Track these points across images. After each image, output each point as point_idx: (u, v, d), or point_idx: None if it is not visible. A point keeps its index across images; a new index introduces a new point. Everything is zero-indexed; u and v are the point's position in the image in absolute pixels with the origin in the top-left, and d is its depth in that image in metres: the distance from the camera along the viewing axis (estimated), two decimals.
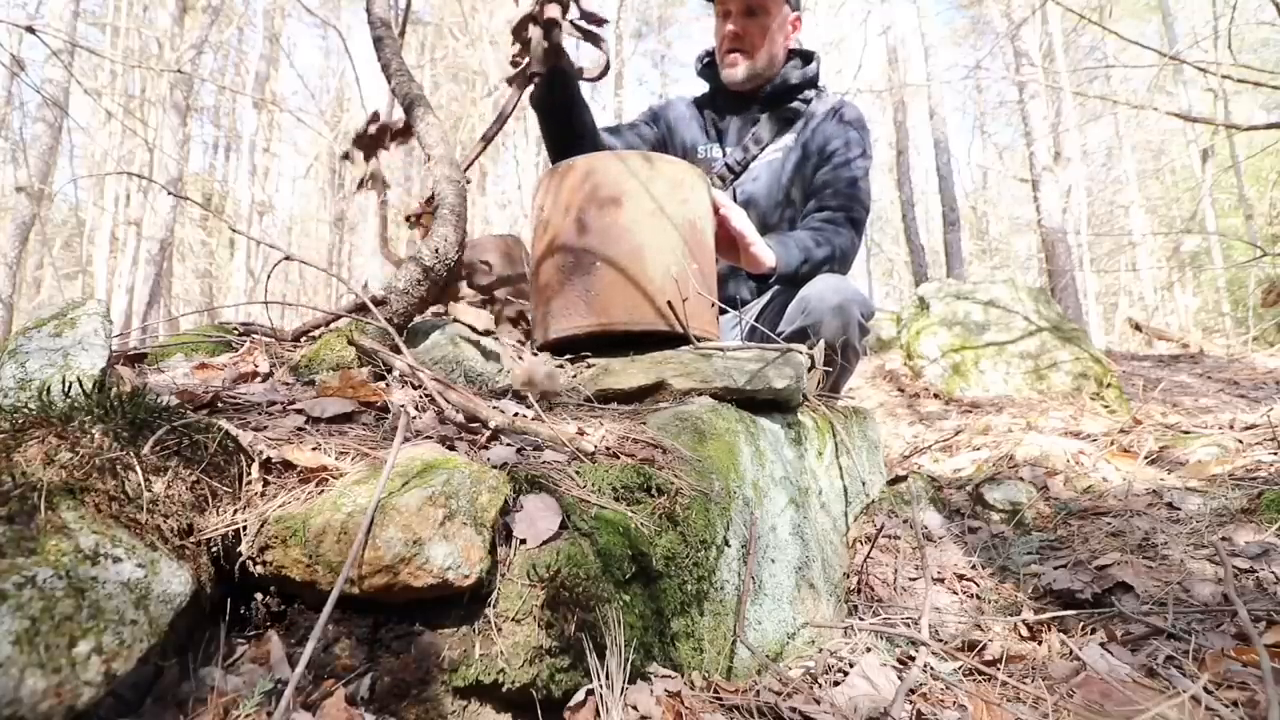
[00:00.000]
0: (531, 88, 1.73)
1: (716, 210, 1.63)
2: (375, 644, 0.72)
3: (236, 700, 0.64)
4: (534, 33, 1.54)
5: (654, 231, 1.44)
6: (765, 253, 1.70)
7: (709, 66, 2.15)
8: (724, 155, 2.11)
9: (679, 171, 1.51)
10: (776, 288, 1.95)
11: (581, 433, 1.09)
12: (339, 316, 1.41)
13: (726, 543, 1.03)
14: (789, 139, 2.04)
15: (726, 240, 1.68)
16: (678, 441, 1.09)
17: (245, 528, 0.74)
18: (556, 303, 1.47)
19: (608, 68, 1.67)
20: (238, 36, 15.20)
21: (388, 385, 1.15)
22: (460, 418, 1.01)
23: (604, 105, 12.59)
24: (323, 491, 0.78)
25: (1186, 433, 2.42)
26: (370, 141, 1.57)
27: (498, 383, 1.34)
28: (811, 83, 2.08)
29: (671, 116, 2.19)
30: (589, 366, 1.42)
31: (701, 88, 2.24)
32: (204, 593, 0.70)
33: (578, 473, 0.92)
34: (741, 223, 1.67)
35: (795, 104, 2.06)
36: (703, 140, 2.16)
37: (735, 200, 2.07)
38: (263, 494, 0.78)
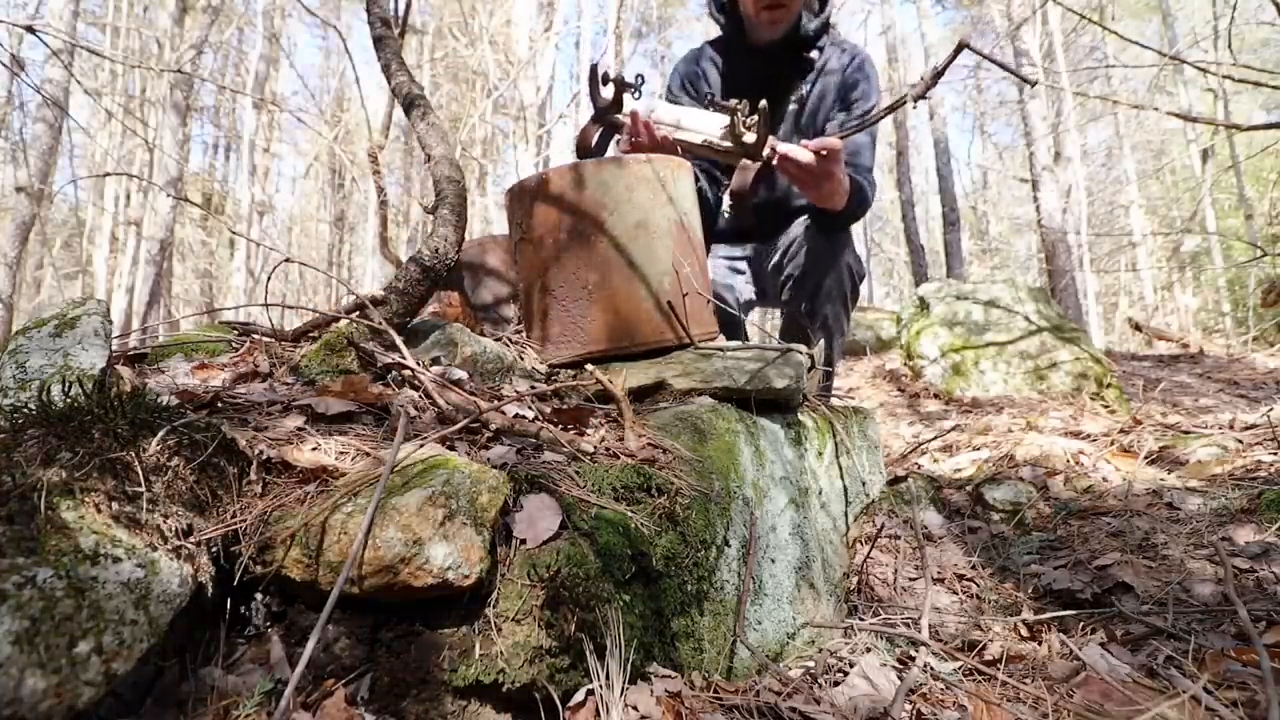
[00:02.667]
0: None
1: (774, 156, 1.59)
2: (375, 644, 0.72)
3: (236, 700, 0.64)
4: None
5: (643, 245, 1.41)
6: (845, 182, 1.69)
7: (729, 14, 2.07)
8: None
9: (657, 169, 1.45)
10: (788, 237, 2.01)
11: (581, 433, 1.09)
12: (339, 317, 1.41)
13: (726, 543, 1.03)
14: (802, 89, 2.06)
15: (801, 175, 1.64)
16: (678, 441, 1.09)
17: (245, 528, 0.74)
18: (554, 330, 1.45)
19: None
20: (238, 36, 15.20)
21: (388, 386, 1.15)
22: (460, 418, 1.01)
23: None
24: (323, 491, 0.78)
25: (1186, 433, 2.42)
26: (613, 104, 1.60)
27: (498, 382, 1.34)
28: (824, 29, 2.05)
29: (690, 87, 2.16)
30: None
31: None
32: (204, 593, 0.70)
33: (578, 473, 0.92)
34: (822, 150, 1.59)
35: (811, 53, 2.04)
36: (721, 96, 2.14)
37: None
38: (263, 494, 0.78)
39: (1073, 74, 9.78)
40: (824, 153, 1.58)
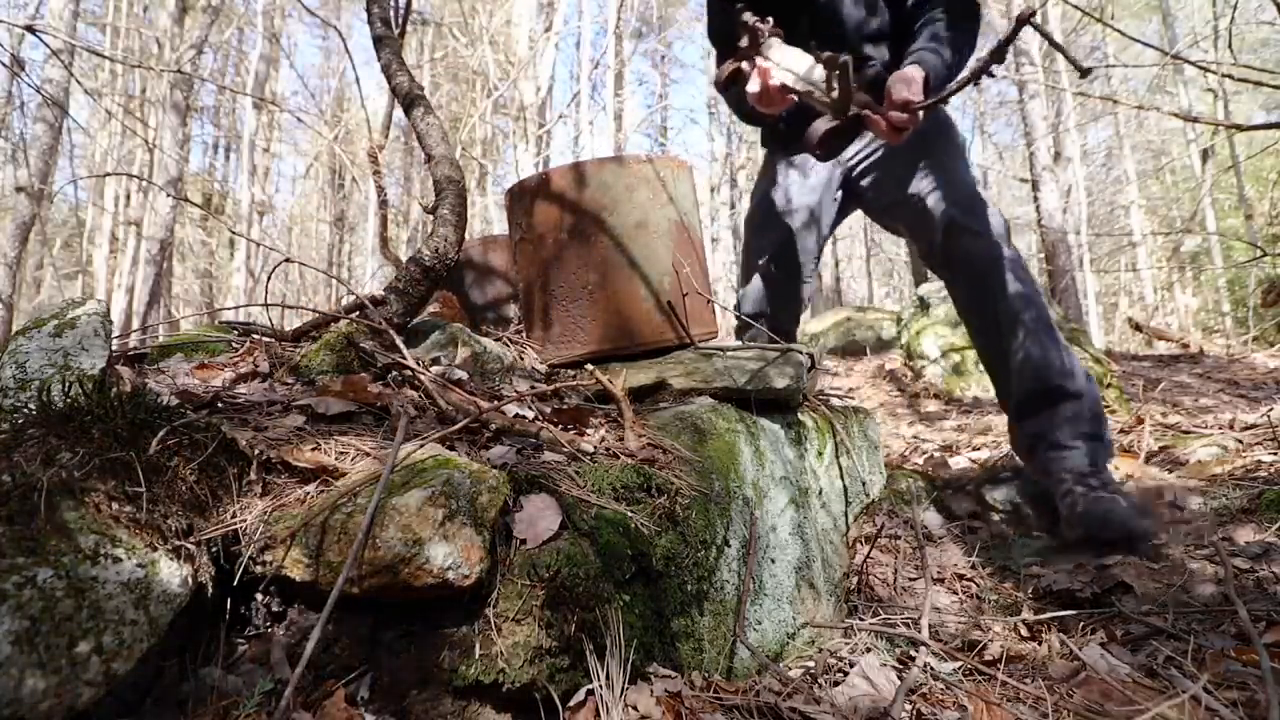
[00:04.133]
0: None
1: (861, 117, 1.53)
2: (375, 644, 0.72)
3: (236, 700, 0.65)
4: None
5: (643, 245, 1.41)
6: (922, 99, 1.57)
7: None
8: None
9: (657, 169, 1.46)
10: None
11: (581, 433, 1.09)
12: (339, 317, 1.41)
13: (726, 543, 1.03)
14: None
15: (886, 135, 1.58)
16: (678, 441, 1.09)
17: (245, 528, 0.74)
18: (554, 330, 1.45)
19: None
20: (238, 36, 15.20)
21: (388, 386, 1.15)
22: (460, 418, 1.01)
23: (604, 105, 12.56)
24: (323, 492, 0.78)
25: (1187, 433, 2.42)
26: (751, 46, 1.65)
27: (498, 382, 1.34)
28: None
29: None
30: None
31: None
32: (204, 593, 0.70)
33: (578, 473, 0.92)
34: (905, 97, 1.52)
35: None
36: None
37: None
38: (263, 494, 0.78)
39: (1073, 73, 9.78)
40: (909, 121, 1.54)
